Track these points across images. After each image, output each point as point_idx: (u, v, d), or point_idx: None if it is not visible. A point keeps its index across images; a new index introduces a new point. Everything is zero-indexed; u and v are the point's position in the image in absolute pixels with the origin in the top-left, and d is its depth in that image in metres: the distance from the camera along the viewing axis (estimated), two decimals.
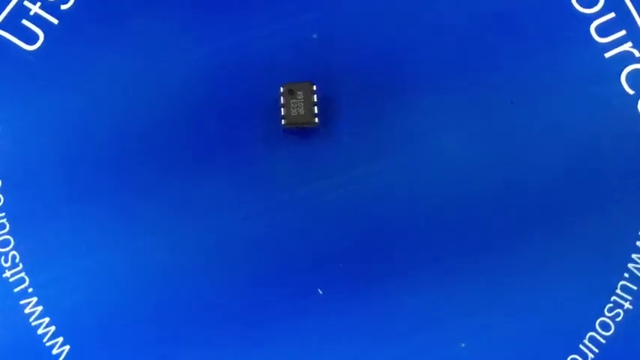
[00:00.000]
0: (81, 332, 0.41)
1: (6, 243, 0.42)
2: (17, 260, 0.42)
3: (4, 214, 0.42)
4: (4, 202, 0.42)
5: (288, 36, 0.44)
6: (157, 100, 0.43)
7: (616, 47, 0.43)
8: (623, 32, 0.43)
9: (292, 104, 0.42)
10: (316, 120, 0.42)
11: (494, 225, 0.42)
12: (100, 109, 0.43)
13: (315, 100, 0.42)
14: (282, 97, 0.42)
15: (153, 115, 0.43)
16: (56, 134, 0.43)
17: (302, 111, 0.42)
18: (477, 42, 0.43)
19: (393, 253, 0.41)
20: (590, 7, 0.44)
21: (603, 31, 0.44)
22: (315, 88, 0.42)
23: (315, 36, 0.44)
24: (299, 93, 0.42)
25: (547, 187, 0.42)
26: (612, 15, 0.44)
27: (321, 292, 0.41)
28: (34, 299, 0.41)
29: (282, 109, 0.42)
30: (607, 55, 0.43)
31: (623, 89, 0.43)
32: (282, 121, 0.42)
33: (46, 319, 0.41)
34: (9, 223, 0.42)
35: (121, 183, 0.42)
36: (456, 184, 0.42)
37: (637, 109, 0.43)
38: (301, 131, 0.43)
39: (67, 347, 0.41)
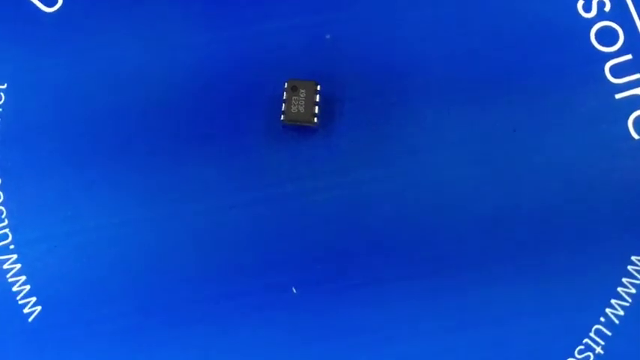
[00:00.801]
0: (55, 296, 0.41)
1: None
2: (3, 216, 0.42)
3: None
4: None
5: (302, 33, 0.44)
6: (162, 78, 0.43)
7: (628, 90, 0.43)
8: (637, 75, 0.43)
9: (294, 101, 0.42)
10: (315, 120, 0.42)
11: (478, 247, 0.41)
12: (105, 81, 0.43)
13: (318, 100, 0.42)
14: (285, 93, 0.42)
15: (156, 93, 0.43)
16: (59, 97, 0.43)
17: (302, 109, 0.42)
18: (486, 65, 0.43)
19: (368, 263, 0.41)
20: (608, 45, 0.43)
21: (617, 71, 0.43)
22: (319, 88, 0.42)
23: (328, 37, 0.44)
24: (302, 91, 0.42)
25: (535, 219, 0.41)
26: (629, 57, 0.43)
27: (294, 291, 0.41)
28: (14, 256, 0.42)
29: (283, 104, 0.42)
30: (617, 96, 0.43)
31: (629, 133, 0.42)
32: (282, 117, 0.42)
33: (23, 278, 0.42)
34: (1, 178, 0.43)
35: (115, 155, 0.43)
36: (448, 203, 0.42)
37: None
38: (300, 129, 0.43)
39: (38, 308, 0.41)
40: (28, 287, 0.42)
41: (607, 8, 0.44)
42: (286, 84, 0.42)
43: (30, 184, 0.42)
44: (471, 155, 0.42)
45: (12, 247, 0.42)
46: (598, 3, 0.44)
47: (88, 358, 0.41)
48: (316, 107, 0.42)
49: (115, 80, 0.43)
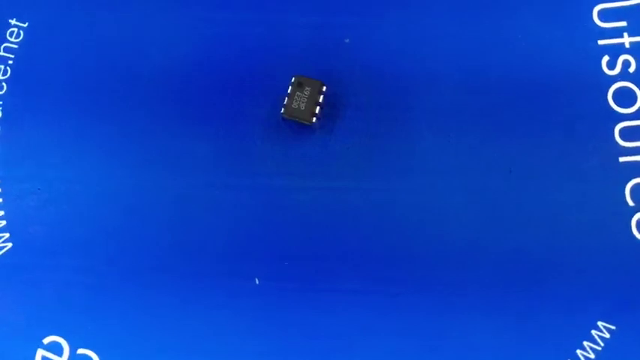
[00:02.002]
0: (27, 237, 0.42)
1: None
2: None
3: (1, 102, 0.43)
4: (6, 90, 0.44)
5: (321, 32, 0.44)
6: (175, 48, 0.44)
7: (634, 155, 0.42)
8: None
9: (297, 97, 0.42)
10: (314, 120, 0.42)
11: (452, 272, 0.41)
12: (120, 45, 0.44)
13: (321, 100, 0.42)
14: (290, 87, 0.42)
15: (166, 62, 0.44)
16: (73, 52, 0.44)
17: (303, 106, 0.42)
18: (496, 100, 0.43)
19: (334, 271, 0.41)
20: (624, 107, 0.43)
21: (627, 134, 0.42)
22: (324, 89, 0.42)
23: (347, 40, 0.44)
24: (307, 89, 0.42)
25: (513, 257, 0.41)
26: None
27: (257, 282, 0.41)
28: None
29: (286, 98, 0.42)
30: (622, 159, 0.42)
31: (625, 198, 0.42)
32: (281, 110, 0.42)
33: (1, 212, 0.42)
34: (2, 112, 0.43)
35: (115, 118, 0.43)
36: (428, 228, 0.42)
37: (630, 222, 0.41)
38: (299, 126, 0.43)
39: (9, 245, 0.42)
40: (4, 222, 0.42)
41: (631, 69, 0.43)
42: (293, 78, 0.42)
43: (29, 125, 0.43)
44: (461, 185, 0.42)
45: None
46: (624, 62, 0.43)
47: (45, 302, 0.41)
48: (317, 107, 0.42)
49: (129, 46, 0.44)
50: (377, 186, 0.42)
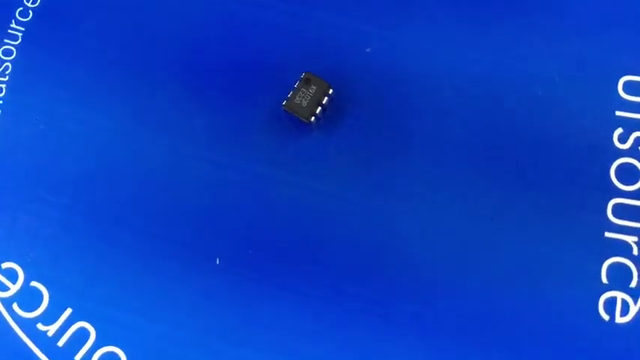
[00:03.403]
0: (13, 162, 0.43)
1: (8, 52, 0.44)
2: (8, 72, 0.44)
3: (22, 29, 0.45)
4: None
5: (344, 34, 0.44)
6: (197, 21, 0.44)
7: (620, 233, 0.41)
8: (636, 224, 0.41)
9: (301, 93, 0.42)
10: (312, 119, 0.42)
11: (410, 299, 0.41)
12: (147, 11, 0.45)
13: (324, 102, 0.42)
14: (298, 82, 0.42)
15: (184, 34, 0.44)
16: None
17: (305, 103, 0.42)
18: (497, 146, 0.42)
19: (297, 273, 0.41)
20: (624, 183, 0.42)
21: (620, 211, 0.41)
22: (331, 91, 0.42)
23: (368, 50, 0.44)
24: (314, 87, 0.42)
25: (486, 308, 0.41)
26: (638, 203, 0.41)
27: (218, 262, 0.42)
28: None
29: (291, 91, 0.42)
30: (607, 234, 0.41)
31: (600, 274, 0.41)
32: (283, 102, 0.42)
33: None
34: (22, 40, 0.45)
35: (125, 77, 0.44)
36: (394, 247, 0.41)
37: (599, 300, 0.40)
38: (299, 122, 0.43)
39: None
40: None
41: None
42: (303, 74, 0.42)
43: (45, 56, 0.44)
44: (440, 218, 0.41)
45: (0, 102, 0.44)
46: (636, 138, 0.42)
47: (13, 229, 0.42)
48: (319, 108, 0.42)
49: (154, 14, 0.45)
50: (357, 197, 0.42)
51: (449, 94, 0.43)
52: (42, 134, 0.43)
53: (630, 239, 0.41)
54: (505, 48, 0.44)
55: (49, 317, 0.41)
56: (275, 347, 0.40)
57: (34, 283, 0.41)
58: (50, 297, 0.41)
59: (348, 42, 0.44)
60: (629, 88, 0.43)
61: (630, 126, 0.42)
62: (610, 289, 0.40)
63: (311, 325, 0.40)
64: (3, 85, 0.44)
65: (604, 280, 0.40)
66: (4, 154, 0.43)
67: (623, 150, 0.42)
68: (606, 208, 0.41)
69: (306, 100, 0.42)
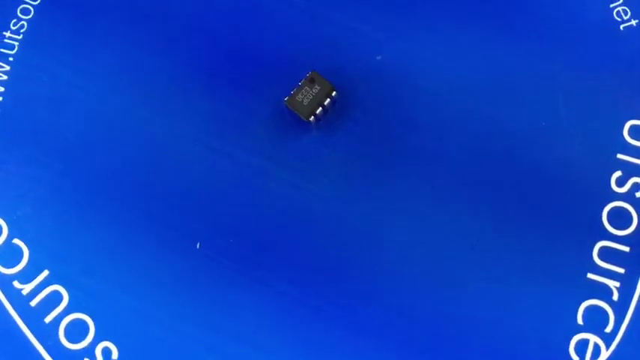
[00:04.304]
0: (23, 107, 0.44)
1: (26, 11, 0.45)
2: (23, 30, 0.45)
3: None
4: None
5: (355, 38, 0.44)
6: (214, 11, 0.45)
7: (602, 276, 0.40)
8: (619, 269, 0.40)
9: (304, 91, 0.42)
10: (311, 118, 0.42)
11: (377, 316, 0.41)
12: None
13: (326, 103, 0.42)
14: (303, 80, 0.42)
15: (201, 21, 0.45)
16: None
17: (306, 102, 0.42)
18: (488, 171, 0.42)
19: (276, 267, 0.41)
20: (616, 227, 0.41)
21: (606, 255, 0.41)
22: (334, 94, 0.42)
23: (378, 58, 0.44)
24: (317, 87, 0.42)
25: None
26: (626, 249, 0.41)
27: (198, 246, 0.42)
28: (7, 67, 0.44)
29: (295, 88, 0.42)
30: (589, 275, 0.41)
31: (576, 315, 0.40)
32: (285, 98, 0.42)
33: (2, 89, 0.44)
34: (41, 1, 0.45)
35: (135, 47, 0.45)
36: (371, 261, 0.41)
37: (570, 340, 0.40)
38: (299, 120, 0.43)
39: None
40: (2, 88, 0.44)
41: (639, 194, 0.41)
42: (309, 73, 0.42)
43: (60, 19, 0.45)
44: (422, 234, 0.41)
45: (11, 59, 0.44)
46: (633, 184, 0.42)
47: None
48: (320, 108, 0.42)
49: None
50: (343, 201, 0.42)
51: (452, 113, 0.43)
52: (46, 96, 0.44)
53: (612, 284, 0.40)
54: (514, 74, 0.43)
55: (25, 276, 0.41)
56: (243, 338, 0.40)
57: (16, 241, 0.42)
58: (30, 256, 0.42)
59: (361, 47, 0.44)
60: (635, 132, 0.42)
61: (630, 171, 0.42)
62: (584, 331, 0.40)
63: (280, 322, 0.40)
64: (16, 43, 0.45)
65: (579, 321, 0.40)
66: (6, 109, 0.44)
67: (619, 193, 0.41)
68: (593, 249, 0.41)
69: (307, 98, 0.42)
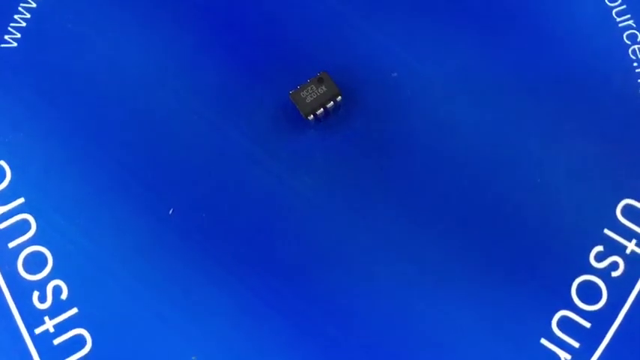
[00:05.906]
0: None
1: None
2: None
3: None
4: None
5: (374, 49, 0.44)
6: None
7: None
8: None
9: (310, 89, 0.42)
10: (311, 117, 0.42)
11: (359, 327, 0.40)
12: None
13: (329, 105, 0.42)
14: (312, 78, 0.42)
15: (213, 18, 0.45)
16: None
17: (309, 100, 0.42)
18: (474, 197, 0.42)
19: (260, 267, 0.41)
20: (586, 303, 0.40)
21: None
22: (339, 99, 0.42)
23: (394, 75, 0.43)
24: (323, 88, 0.42)
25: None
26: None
27: (171, 212, 0.42)
28: (17, 35, 0.45)
29: (302, 84, 0.42)
30: (543, 340, 0.40)
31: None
32: (290, 91, 0.42)
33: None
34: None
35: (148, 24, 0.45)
36: (352, 269, 0.41)
37: None
38: (300, 118, 0.42)
39: None
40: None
41: (616, 272, 0.40)
42: (320, 73, 0.42)
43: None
44: (397, 248, 0.41)
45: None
46: (612, 262, 0.41)
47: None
48: (321, 109, 0.42)
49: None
50: (325, 204, 0.42)
51: (453, 145, 0.42)
52: (68, 34, 0.45)
53: (563, 355, 0.39)
54: (525, 119, 0.43)
55: (1, 198, 0.42)
56: (198, 316, 0.40)
57: (1, 162, 0.43)
58: (10, 181, 0.42)
59: (379, 59, 0.44)
60: (628, 212, 0.41)
61: (612, 248, 0.41)
62: None
63: (234, 308, 0.40)
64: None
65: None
66: (27, 40, 0.45)
67: (595, 268, 0.40)
68: (554, 316, 0.40)
69: (311, 97, 0.42)
